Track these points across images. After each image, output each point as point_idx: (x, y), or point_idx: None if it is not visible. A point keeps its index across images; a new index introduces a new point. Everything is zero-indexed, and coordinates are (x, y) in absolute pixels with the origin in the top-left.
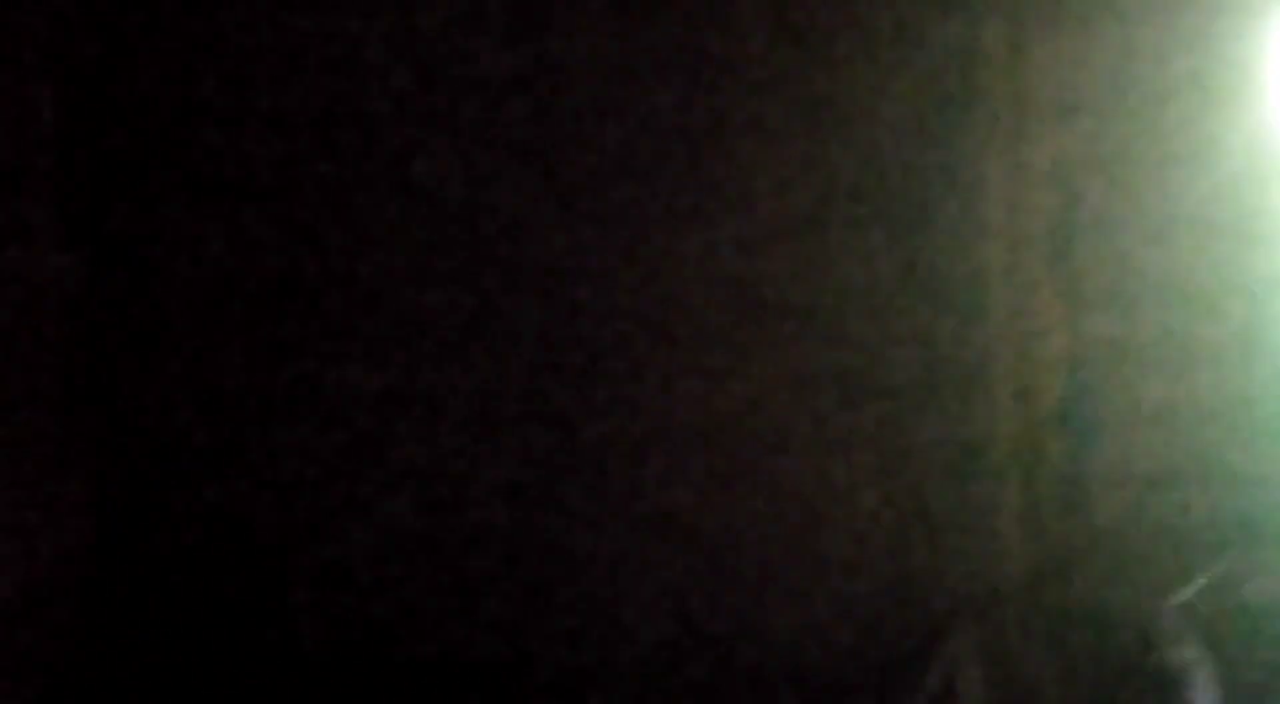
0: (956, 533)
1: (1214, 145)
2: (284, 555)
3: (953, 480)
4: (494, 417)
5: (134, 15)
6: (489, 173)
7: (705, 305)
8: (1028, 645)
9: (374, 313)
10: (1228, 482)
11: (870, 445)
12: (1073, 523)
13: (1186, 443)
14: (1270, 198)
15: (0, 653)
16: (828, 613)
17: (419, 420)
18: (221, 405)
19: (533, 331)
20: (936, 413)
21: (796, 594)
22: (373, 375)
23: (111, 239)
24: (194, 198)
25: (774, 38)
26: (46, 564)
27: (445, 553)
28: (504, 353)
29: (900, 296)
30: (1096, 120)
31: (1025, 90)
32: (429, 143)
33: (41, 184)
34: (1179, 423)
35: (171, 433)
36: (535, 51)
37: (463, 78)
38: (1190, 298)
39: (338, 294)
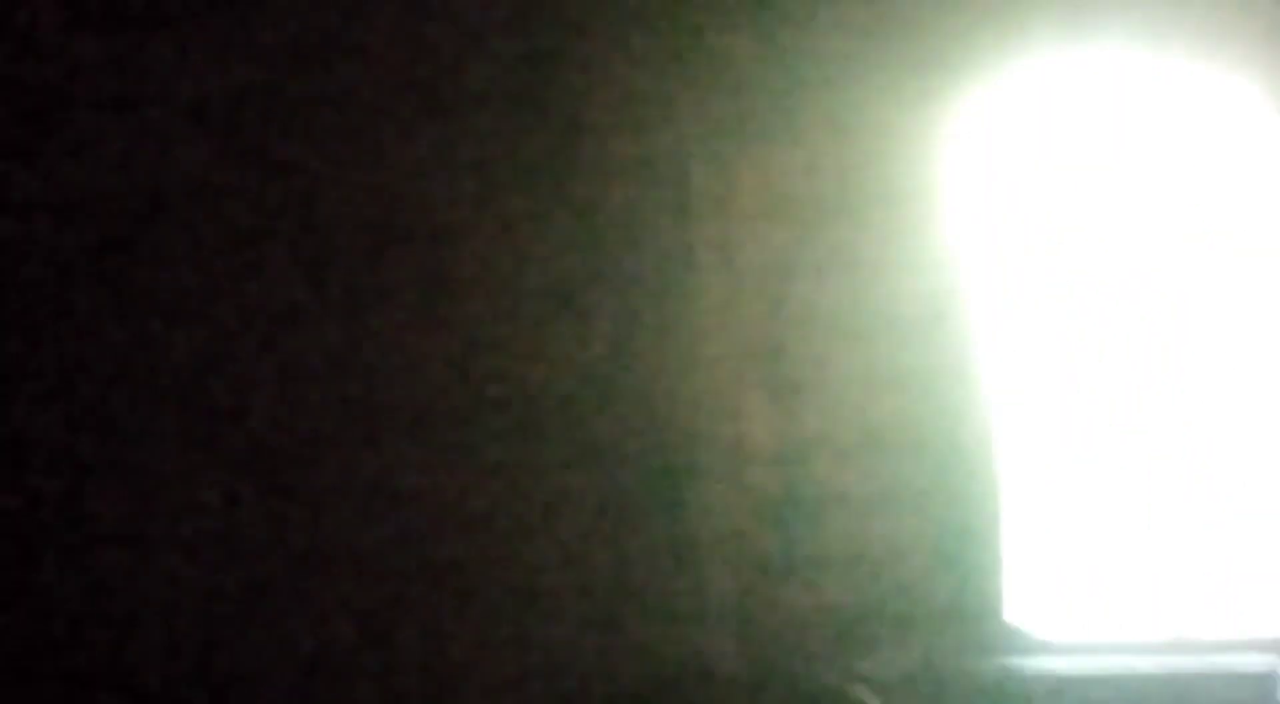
0: (668, 615)
1: (907, 250)
2: None
3: (667, 564)
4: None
5: None
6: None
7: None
8: None
9: None
10: (906, 561)
11: (587, 532)
12: (763, 604)
13: (880, 529)
14: (952, 299)
15: None
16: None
17: None
18: None
19: None
20: (651, 500)
21: (506, 680)
22: None
23: None
24: None
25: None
26: None
27: None
28: None
29: (611, 390)
30: (801, 227)
31: (732, 197)
32: None
33: None
34: (873, 511)
35: None
36: None
37: None
38: (885, 390)
39: None
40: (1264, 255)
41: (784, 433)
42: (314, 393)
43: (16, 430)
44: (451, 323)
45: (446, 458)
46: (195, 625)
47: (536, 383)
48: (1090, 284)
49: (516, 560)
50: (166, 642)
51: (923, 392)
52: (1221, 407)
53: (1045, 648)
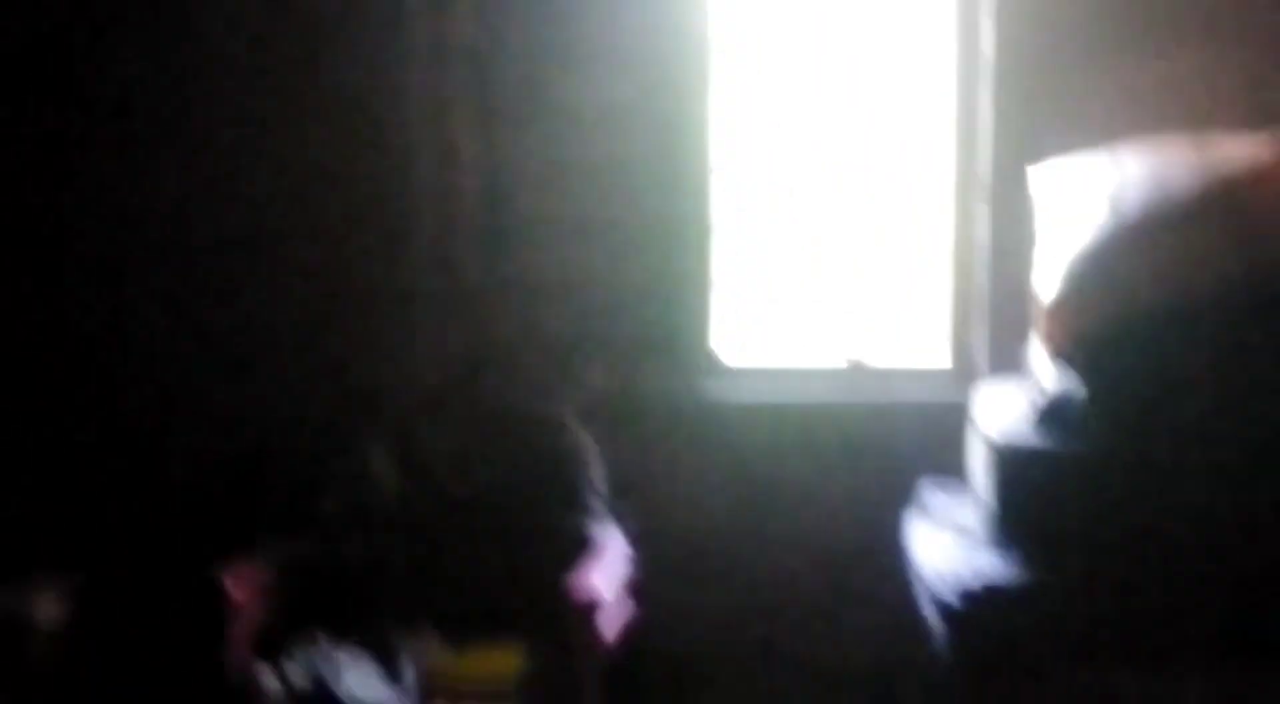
0: (374, 334)
1: None
2: None
3: (375, 294)
4: None
5: None
6: None
7: None
8: (436, 434)
9: None
10: (618, 294)
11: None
12: (476, 329)
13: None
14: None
15: None
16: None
17: None
18: None
19: None
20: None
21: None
22: None
23: None
24: None
25: None
26: None
27: None
28: None
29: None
30: None
31: None
32: None
33: None
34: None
35: None
36: None
37: None
38: (597, 122)
39: None
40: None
41: (492, 162)
42: None
43: None
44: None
45: None
46: None
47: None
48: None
49: None
50: None
51: (636, 125)
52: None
53: (741, 375)
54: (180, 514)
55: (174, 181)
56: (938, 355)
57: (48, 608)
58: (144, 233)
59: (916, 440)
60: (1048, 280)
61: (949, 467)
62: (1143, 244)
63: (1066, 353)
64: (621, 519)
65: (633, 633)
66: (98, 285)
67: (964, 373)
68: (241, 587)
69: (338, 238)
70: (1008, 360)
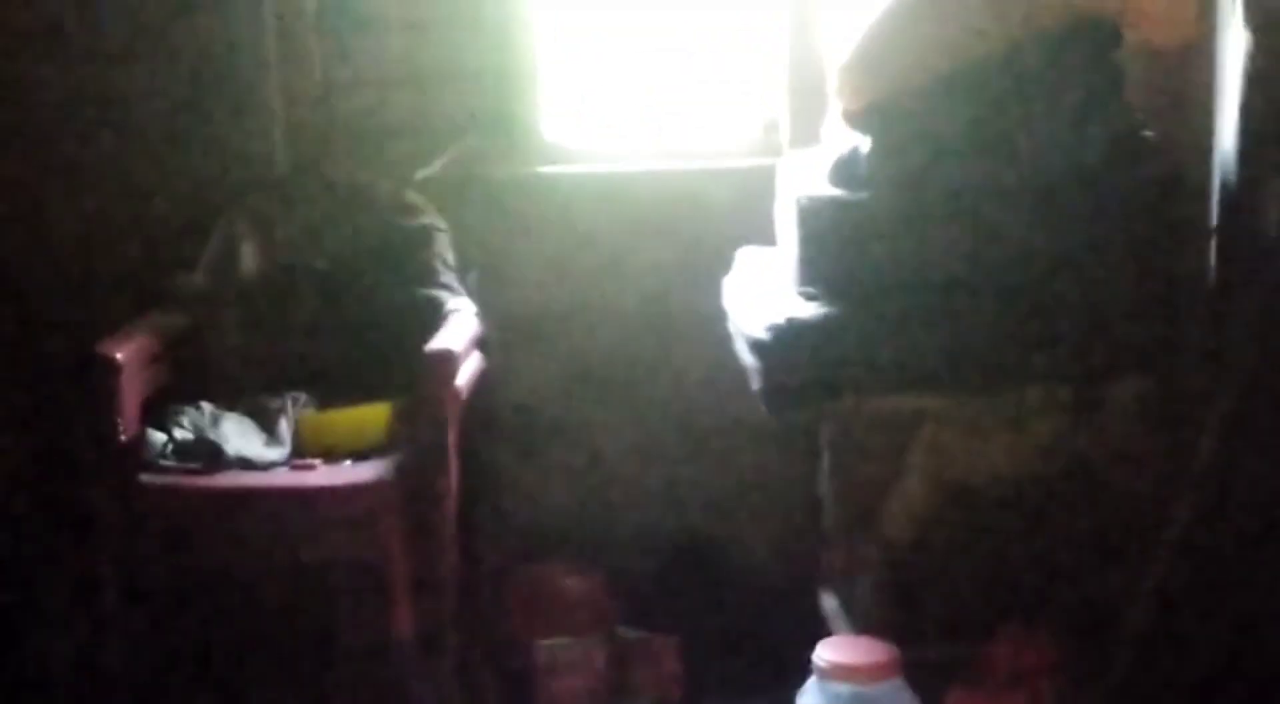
0: (230, 126)
1: None
2: None
3: (229, 89)
4: None
5: None
6: None
7: None
8: (293, 218)
9: None
10: (460, 82)
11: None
12: (326, 117)
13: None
14: None
15: None
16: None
17: None
18: None
19: None
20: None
21: None
22: None
23: None
24: None
25: None
26: None
27: None
28: None
29: None
30: None
31: None
32: None
33: None
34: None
35: None
36: None
37: None
38: None
39: None
40: None
41: None
42: None
43: None
44: None
45: None
46: None
47: None
48: None
49: None
50: None
51: None
52: None
53: (569, 153)
54: (62, 298)
55: None
56: (748, 130)
57: None
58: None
59: (731, 206)
60: (840, 49)
61: (760, 232)
62: (922, 12)
63: (855, 113)
64: (468, 287)
65: (482, 384)
66: None
67: (770, 147)
68: (124, 355)
69: (189, 40)
70: (808, 132)
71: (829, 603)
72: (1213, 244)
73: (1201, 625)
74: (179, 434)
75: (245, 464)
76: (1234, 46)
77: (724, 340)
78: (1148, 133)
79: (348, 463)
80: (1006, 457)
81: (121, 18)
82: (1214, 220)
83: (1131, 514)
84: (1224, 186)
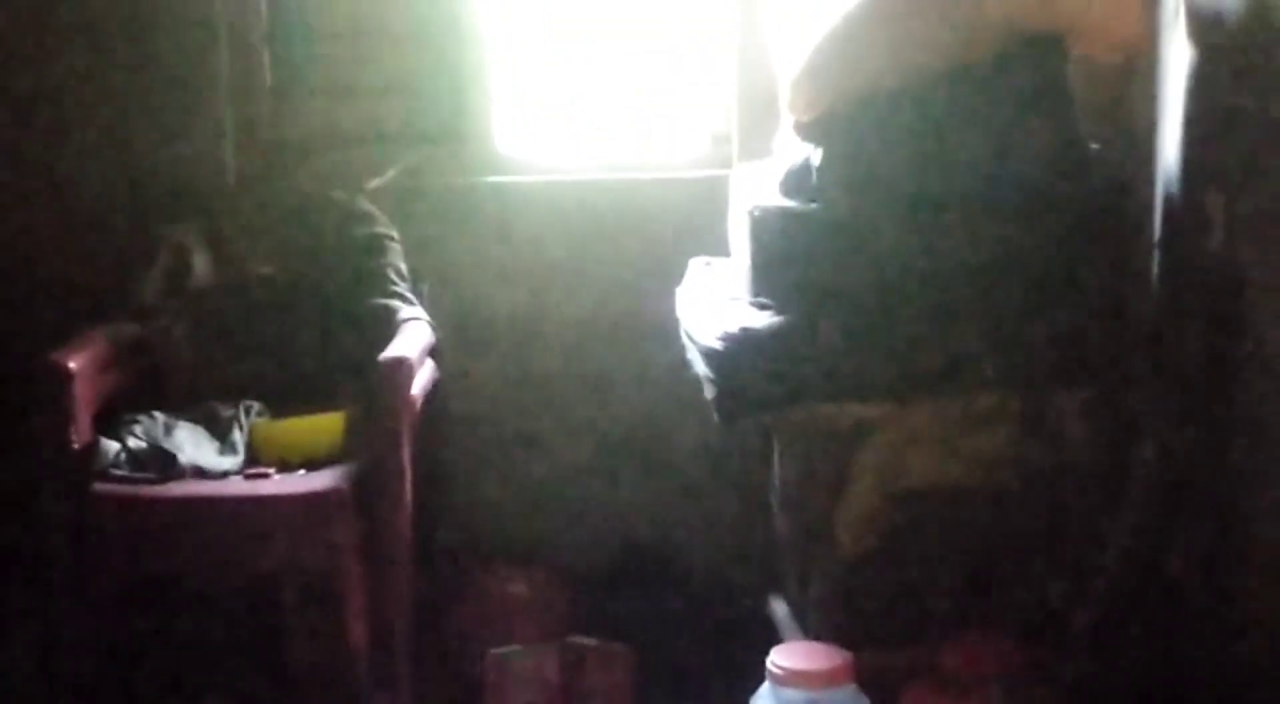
0: (181, 136)
1: None
2: None
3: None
4: None
5: None
6: None
7: None
8: (245, 228)
9: None
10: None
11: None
12: (277, 126)
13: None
14: None
15: None
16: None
17: None
18: None
19: None
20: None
21: None
22: None
23: None
24: None
25: None
26: None
27: None
28: None
29: None
30: None
31: None
32: None
33: None
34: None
35: None
36: None
37: None
38: None
39: None
40: None
41: None
42: None
43: None
44: None
45: None
46: None
47: None
48: None
49: None
50: None
51: None
52: None
53: (519, 164)
54: (12, 307)
55: None
56: (697, 143)
57: None
58: None
59: (682, 217)
60: (790, 62)
61: (711, 243)
62: (870, 27)
63: (805, 123)
64: (420, 296)
65: (435, 392)
66: None
67: (720, 159)
68: (76, 364)
69: (142, 44)
70: (756, 146)
71: (781, 609)
72: (1156, 254)
73: (1148, 628)
74: (132, 443)
75: (199, 473)
76: (1176, 59)
77: (676, 349)
78: (1093, 145)
79: (302, 472)
80: (955, 464)
81: (71, 25)
82: (1157, 231)
83: (1078, 520)
84: (1167, 197)
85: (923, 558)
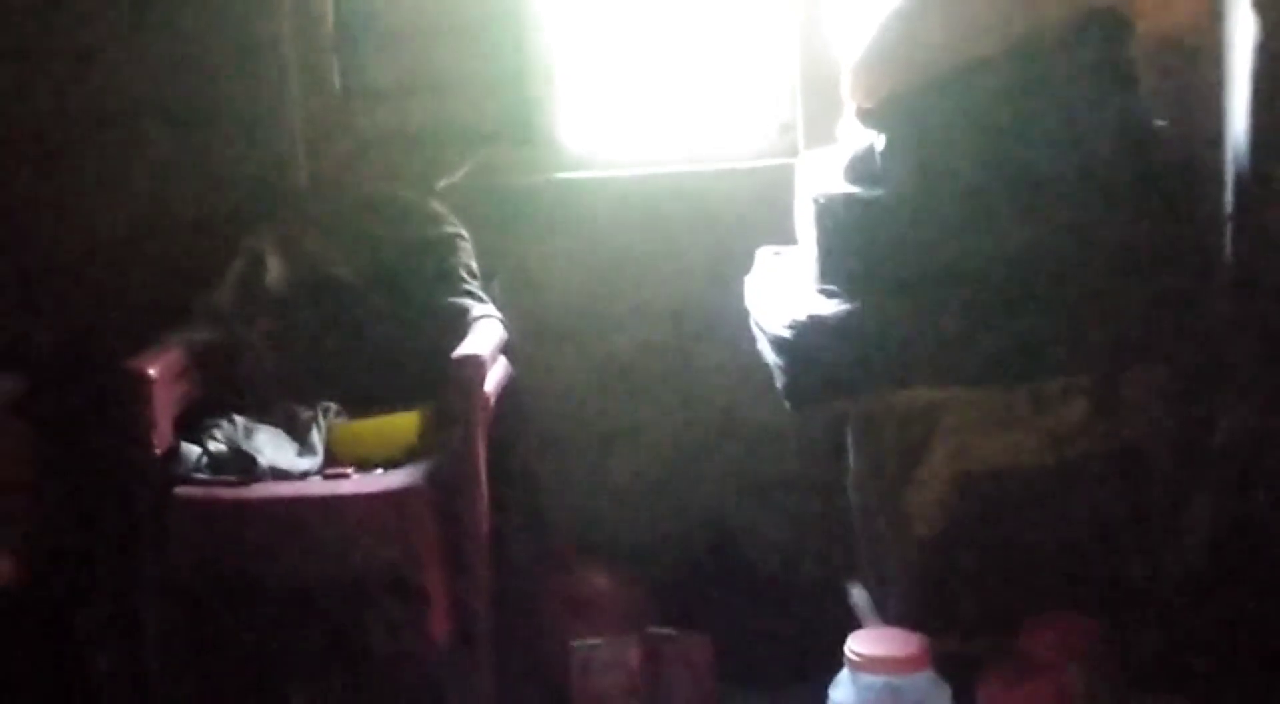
0: (253, 143)
1: None
2: None
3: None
4: None
5: None
6: None
7: None
8: (317, 231)
9: None
10: (478, 91)
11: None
12: (347, 128)
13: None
14: None
15: None
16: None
17: None
18: None
19: None
20: None
21: None
22: None
23: None
24: None
25: None
26: None
27: None
28: None
29: None
30: None
31: None
32: None
33: None
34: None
35: None
36: None
37: None
38: None
39: None
40: None
41: None
42: None
43: None
44: None
45: None
46: None
47: None
48: None
49: None
50: None
51: None
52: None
53: (587, 158)
54: (98, 317)
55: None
56: (761, 135)
57: None
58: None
59: (750, 207)
60: (852, 48)
61: (779, 232)
62: (930, 10)
63: (867, 109)
64: (492, 293)
65: (509, 389)
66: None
67: (786, 148)
68: (156, 370)
69: (212, 53)
70: (822, 134)
71: (859, 596)
72: (1228, 229)
73: (1229, 607)
74: (213, 447)
75: (279, 475)
76: (1243, 34)
77: (747, 339)
78: (1160, 122)
79: (380, 471)
80: (1027, 445)
81: (140, 31)
82: (1229, 206)
83: (1153, 499)
84: (1237, 174)
85: (997, 540)
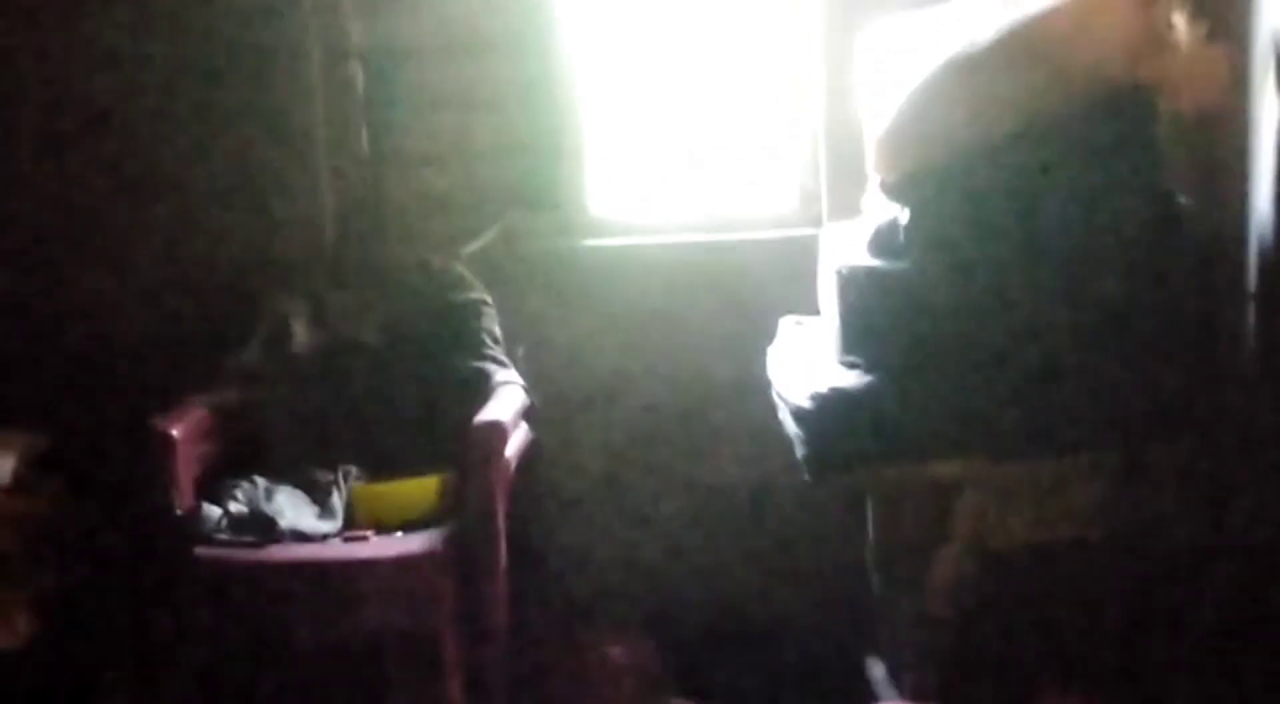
0: (278, 206)
1: None
2: None
3: (277, 169)
4: None
5: None
6: None
7: None
8: (343, 295)
9: None
10: (505, 159)
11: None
12: (374, 192)
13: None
14: None
15: None
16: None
17: None
18: None
19: None
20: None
21: None
22: None
23: None
24: None
25: None
26: None
27: None
28: None
29: None
30: None
31: None
32: None
33: None
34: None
35: None
36: None
37: None
38: (469, 5)
39: None
40: None
41: (379, 34)
42: None
43: None
44: None
45: None
46: None
47: None
48: None
49: None
50: None
51: (511, 3)
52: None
53: (613, 225)
54: (123, 376)
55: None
56: (786, 204)
57: (6, 464)
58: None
59: (773, 276)
60: (876, 122)
61: (802, 302)
62: (955, 86)
63: (891, 182)
64: (514, 359)
65: (530, 455)
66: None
67: (810, 218)
68: (179, 431)
69: (244, 117)
70: (846, 205)
71: (876, 669)
72: (1251, 308)
73: (1244, 691)
74: (234, 508)
75: (299, 537)
76: (1268, 112)
77: (768, 409)
78: (1183, 199)
79: (399, 534)
80: (1048, 521)
81: (173, 95)
82: (1252, 285)
83: (1174, 579)
84: (1261, 251)
85: (1016, 618)
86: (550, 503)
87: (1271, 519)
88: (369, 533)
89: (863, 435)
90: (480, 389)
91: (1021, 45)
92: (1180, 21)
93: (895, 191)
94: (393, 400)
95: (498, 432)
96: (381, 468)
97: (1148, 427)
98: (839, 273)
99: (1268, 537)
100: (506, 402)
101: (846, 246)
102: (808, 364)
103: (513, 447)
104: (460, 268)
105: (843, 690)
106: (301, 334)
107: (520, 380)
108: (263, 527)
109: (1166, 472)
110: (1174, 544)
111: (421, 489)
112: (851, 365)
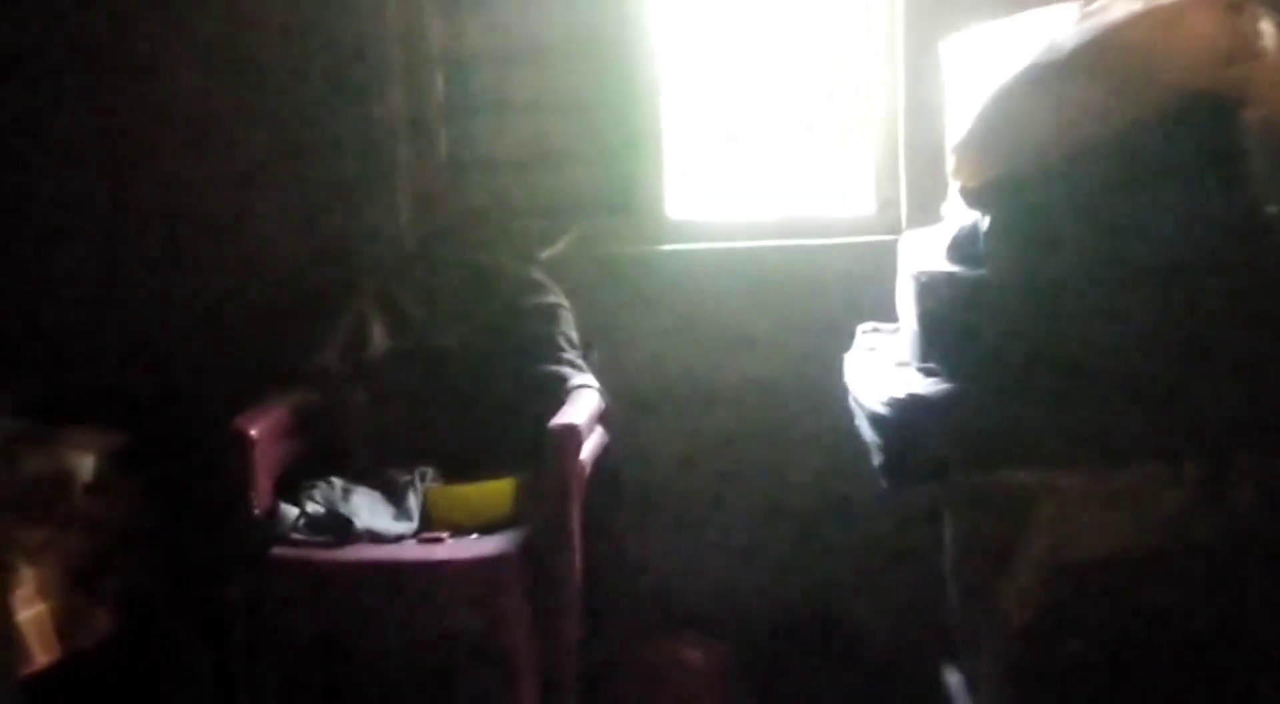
0: (363, 208)
1: None
2: None
3: (359, 172)
4: None
5: None
6: None
7: None
8: (421, 298)
9: None
10: (582, 163)
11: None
12: (453, 197)
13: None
14: None
15: None
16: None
17: None
18: None
19: None
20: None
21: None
22: None
23: None
24: None
25: None
26: None
27: None
28: None
29: None
30: None
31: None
32: None
33: None
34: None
35: None
36: None
37: None
38: (549, 7)
39: None
40: None
41: (458, 39)
42: None
43: None
44: None
45: None
46: None
47: None
48: None
49: None
50: None
51: (590, 5)
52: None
53: (691, 229)
54: (204, 376)
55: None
56: (864, 211)
57: (87, 462)
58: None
59: (852, 282)
60: (958, 128)
61: (879, 309)
62: (1036, 93)
63: (971, 189)
64: (591, 363)
65: (605, 458)
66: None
67: (888, 225)
68: (258, 431)
69: (326, 123)
70: (925, 212)
71: (953, 678)
72: None
73: None
74: (311, 508)
75: (374, 537)
76: None
77: (844, 415)
78: (1270, 209)
79: (474, 536)
80: (1127, 533)
81: (255, 99)
82: None
83: (1256, 591)
84: None
85: (1096, 630)
86: (625, 506)
87: None
88: (444, 535)
89: (941, 443)
90: (556, 392)
91: (1103, 52)
92: (1268, 28)
93: (975, 198)
94: (469, 403)
95: (573, 435)
96: (458, 470)
97: (1232, 436)
98: (918, 279)
99: None
100: (582, 405)
101: (925, 253)
102: (885, 371)
103: (588, 449)
104: (537, 271)
105: (918, 700)
106: (379, 337)
107: (596, 383)
108: (339, 527)
109: (1250, 482)
110: (1256, 556)
111: (497, 491)
112: (929, 372)
